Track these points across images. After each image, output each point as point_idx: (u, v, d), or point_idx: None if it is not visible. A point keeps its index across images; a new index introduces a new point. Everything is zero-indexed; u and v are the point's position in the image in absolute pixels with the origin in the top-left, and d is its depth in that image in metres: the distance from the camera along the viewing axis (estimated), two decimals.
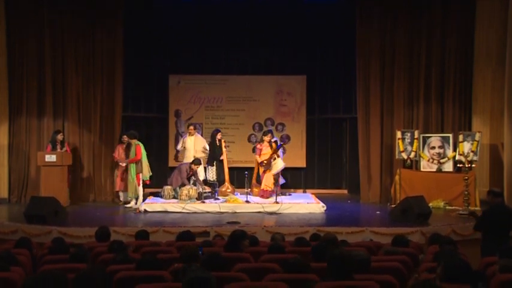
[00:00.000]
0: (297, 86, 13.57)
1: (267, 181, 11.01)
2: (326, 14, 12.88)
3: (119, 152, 11.38)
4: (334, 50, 13.22)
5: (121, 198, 11.44)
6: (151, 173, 11.05)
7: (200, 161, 11.09)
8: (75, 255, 5.01)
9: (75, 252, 5.14)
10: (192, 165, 10.90)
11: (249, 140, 13.61)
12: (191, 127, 11.81)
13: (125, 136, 11.26)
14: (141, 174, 10.75)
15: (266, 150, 11.13)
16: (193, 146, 11.57)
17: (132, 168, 10.78)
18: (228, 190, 11.31)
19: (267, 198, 10.81)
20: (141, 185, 10.76)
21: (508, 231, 6.73)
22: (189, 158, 11.31)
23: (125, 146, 11.29)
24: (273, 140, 11.42)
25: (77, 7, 11.81)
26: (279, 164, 11.06)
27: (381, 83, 11.97)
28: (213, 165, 11.46)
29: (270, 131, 11.67)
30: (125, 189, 11.19)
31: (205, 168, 11.42)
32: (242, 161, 12.92)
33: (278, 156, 11.12)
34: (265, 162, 11.07)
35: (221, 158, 11.55)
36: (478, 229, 6.89)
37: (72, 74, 11.81)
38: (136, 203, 10.70)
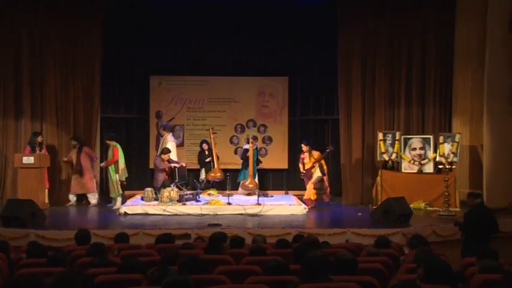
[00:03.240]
0: (279, 87, 13.60)
1: (309, 191, 11.04)
2: (308, 16, 12.90)
3: (73, 156, 11.24)
4: (316, 52, 13.26)
5: (70, 199, 11.32)
6: (127, 175, 11.20)
7: (169, 149, 11.20)
8: (52, 259, 4.94)
9: (52, 255, 5.06)
10: (162, 155, 10.96)
11: (231, 142, 13.58)
12: (161, 128, 12.00)
13: (73, 140, 11.24)
14: (117, 175, 10.79)
15: (307, 160, 11.15)
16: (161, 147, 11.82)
17: (111, 169, 10.87)
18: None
19: (312, 207, 10.79)
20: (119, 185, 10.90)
21: (489, 232, 6.83)
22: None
23: (76, 150, 11.18)
24: (246, 146, 11.96)
25: (55, 6, 11.65)
26: (317, 173, 11.05)
27: (363, 85, 12.04)
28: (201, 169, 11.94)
29: (305, 141, 11.50)
30: (77, 191, 11.20)
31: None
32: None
33: (317, 165, 11.06)
34: (303, 172, 11.16)
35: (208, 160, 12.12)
36: (462, 230, 7.06)
37: (50, 74, 11.64)
38: (121, 203, 10.79)
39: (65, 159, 11.38)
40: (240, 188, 12.13)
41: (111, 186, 10.94)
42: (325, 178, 11.37)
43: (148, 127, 13.41)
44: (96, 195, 11.38)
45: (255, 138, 12.59)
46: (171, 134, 12.13)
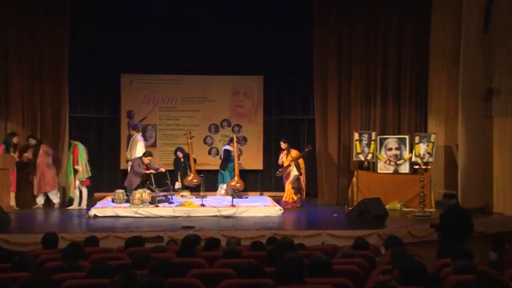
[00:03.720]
0: (254, 87, 13.61)
1: (287, 192, 11.24)
2: (283, 14, 12.95)
3: (30, 154, 11.09)
4: (291, 50, 13.31)
5: (37, 201, 11.18)
6: (90, 174, 11.10)
7: (151, 153, 11.23)
8: (18, 264, 4.84)
9: (17, 260, 4.96)
10: (143, 158, 10.88)
11: (205, 142, 13.55)
12: (130, 128, 12.00)
13: (30, 138, 11.09)
14: (77, 175, 10.80)
15: (284, 158, 11.34)
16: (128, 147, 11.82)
17: (69, 169, 10.88)
18: (238, 185, 11.82)
19: (289, 207, 11.00)
20: (77, 186, 10.86)
21: (464, 232, 6.97)
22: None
23: (33, 148, 11.06)
24: (227, 147, 12.20)
25: (19, 5, 11.41)
26: (294, 172, 11.22)
27: (338, 84, 12.13)
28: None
29: (283, 138, 11.68)
30: (41, 191, 11.10)
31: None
32: (198, 163, 12.81)
33: (294, 164, 11.22)
34: (280, 170, 11.39)
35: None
36: (438, 231, 7.19)
37: (15, 73, 11.40)
38: (80, 204, 10.85)
39: (18, 159, 11.04)
40: (222, 190, 12.07)
41: (70, 187, 10.92)
42: (301, 178, 11.40)
43: (119, 127, 13.28)
44: (58, 194, 11.25)
45: (238, 138, 12.82)
46: (140, 134, 12.03)
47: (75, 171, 10.85)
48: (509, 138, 10.89)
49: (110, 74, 13.16)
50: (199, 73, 13.48)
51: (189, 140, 12.18)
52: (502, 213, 10.65)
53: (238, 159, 12.36)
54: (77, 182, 10.89)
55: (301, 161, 11.41)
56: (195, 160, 12.32)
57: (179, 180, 12.13)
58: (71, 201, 11.05)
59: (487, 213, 10.60)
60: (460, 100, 10.97)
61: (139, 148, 11.48)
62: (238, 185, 11.90)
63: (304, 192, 11.63)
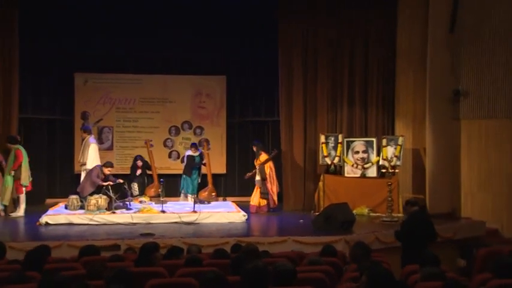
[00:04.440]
0: (217, 87, 13.58)
1: (253, 197, 11.46)
2: (247, 12, 12.96)
3: None
4: (255, 50, 13.33)
5: None
6: (31, 178, 10.90)
7: (112, 163, 11.07)
8: None
9: None
10: (104, 168, 10.73)
11: (165, 145, 13.43)
12: (81, 130, 11.89)
13: None
14: (20, 180, 10.58)
15: (255, 162, 11.56)
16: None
17: (8, 174, 10.64)
18: (213, 193, 12.06)
19: (256, 212, 11.26)
20: (24, 191, 10.66)
21: (427, 240, 7.12)
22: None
23: None
24: (189, 152, 12.28)
25: None
26: (257, 176, 11.48)
27: (304, 85, 12.22)
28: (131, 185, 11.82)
29: (254, 141, 11.95)
30: None
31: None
32: (158, 167, 12.66)
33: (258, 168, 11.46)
34: (248, 174, 11.65)
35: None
36: (399, 239, 7.32)
37: None
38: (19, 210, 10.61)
39: None
40: (190, 198, 11.93)
41: (6, 192, 10.60)
42: (267, 183, 11.44)
43: (73, 129, 13.03)
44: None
45: (207, 141, 12.93)
46: (92, 136, 11.81)
47: (16, 176, 10.57)
48: (476, 142, 11.18)
49: (62, 73, 12.91)
50: (159, 73, 13.36)
51: (150, 149, 12.09)
52: (469, 217, 10.92)
53: (200, 166, 12.38)
54: (23, 188, 10.63)
55: (268, 165, 11.49)
56: (155, 169, 12.16)
57: (136, 189, 11.97)
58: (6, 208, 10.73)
59: (454, 218, 10.86)
60: (428, 102, 11.20)
61: (91, 152, 11.29)
62: (213, 194, 12.09)
63: (274, 197, 11.61)
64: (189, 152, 12.47)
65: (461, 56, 11.24)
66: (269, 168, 11.53)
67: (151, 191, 11.86)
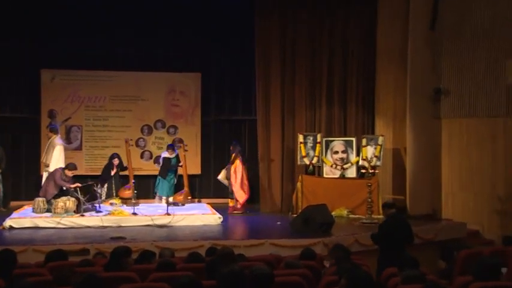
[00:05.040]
0: (191, 85, 13.53)
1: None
2: (223, 7, 12.94)
3: None
4: (231, 47, 13.30)
5: None
6: None
7: (75, 165, 10.90)
8: None
9: None
10: (66, 171, 10.61)
11: (137, 145, 13.32)
12: (47, 129, 11.73)
13: None
14: None
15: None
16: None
17: None
18: (190, 197, 12.15)
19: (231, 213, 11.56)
20: None
21: (404, 243, 7.21)
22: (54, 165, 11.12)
23: None
24: (165, 154, 12.29)
25: None
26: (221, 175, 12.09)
27: (282, 83, 12.24)
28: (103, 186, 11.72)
29: (233, 141, 12.16)
30: None
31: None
32: (131, 164, 12.54)
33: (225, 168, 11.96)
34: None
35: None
36: (375, 242, 7.40)
37: None
38: None
39: None
40: (164, 200, 11.86)
41: None
42: (232, 183, 11.63)
43: (39, 128, 12.85)
44: None
45: (181, 141, 12.91)
46: (59, 136, 11.65)
47: None
48: (457, 141, 11.35)
49: (28, 68, 12.71)
50: (130, 69, 13.24)
51: (128, 148, 12.03)
52: (450, 219, 11.08)
53: (177, 167, 12.37)
54: None
55: (235, 166, 11.64)
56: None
57: (104, 191, 11.82)
58: None
59: (435, 220, 11.00)
60: (408, 101, 11.31)
61: (56, 153, 11.15)
62: (189, 197, 12.14)
63: (239, 199, 11.68)
64: (165, 154, 12.40)
65: (442, 53, 11.39)
66: (235, 169, 11.66)
67: (127, 193, 11.67)
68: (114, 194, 11.81)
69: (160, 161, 12.50)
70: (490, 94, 10.99)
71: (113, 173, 12.01)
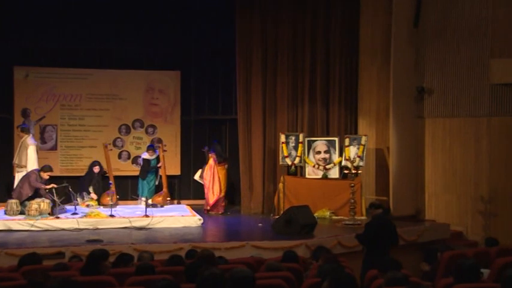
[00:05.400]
0: (170, 83, 13.48)
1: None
2: (204, 5, 12.92)
3: None
4: (212, 44, 13.28)
5: None
6: None
7: (51, 167, 10.83)
8: None
9: None
10: (42, 173, 10.54)
11: (115, 145, 13.23)
12: (18, 129, 11.61)
13: None
14: None
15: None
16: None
17: None
18: (168, 198, 12.05)
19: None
20: None
21: (389, 244, 7.27)
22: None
23: None
24: (145, 155, 12.31)
25: None
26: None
27: (263, 82, 12.26)
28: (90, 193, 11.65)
29: (214, 141, 12.38)
30: None
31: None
32: (112, 168, 12.46)
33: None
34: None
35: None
36: (362, 242, 7.45)
37: None
38: None
39: None
40: (141, 202, 11.80)
41: None
42: (205, 184, 11.91)
43: (12, 128, 12.68)
44: None
45: (160, 141, 12.90)
46: (31, 136, 11.52)
47: None
48: (441, 141, 11.46)
49: (0, 65, 12.54)
50: (108, 67, 13.15)
51: (108, 153, 11.98)
52: (434, 220, 11.19)
53: (157, 169, 12.37)
54: None
55: (208, 166, 11.84)
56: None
57: (93, 192, 11.74)
58: None
59: (418, 221, 11.09)
60: (391, 100, 11.39)
61: (31, 153, 11.02)
62: (168, 198, 12.12)
63: (208, 200, 11.84)
64: (145, 155, 12.34)
65: (425, 52, 11.50)
66: (208, 169, 11.82)
67: (107, 199, 11.43)
68: (97, 203, 11.64)
69: (140, 162, 12.44)
70: (473, 93, 11.12)
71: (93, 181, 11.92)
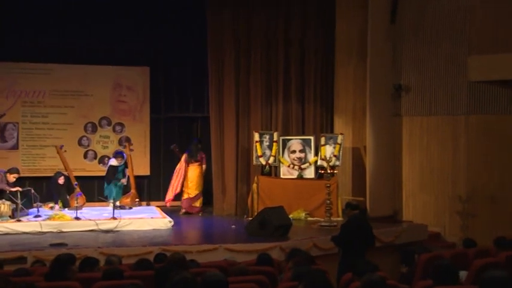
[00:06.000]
0: (139, 79, 13.39)
1: None
2: None
3: None
4: (182, 40, 13.19)
5: None
6: None
7: (18, 169, 10.75)
8: None
9: None
10: (8, 174, 10.48)
11: (80, 144, 13.10)
12: None
13: None
14: None
15: None
16: None
17: None
18: (137, 199, 12.04)
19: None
20: None
21: (365, 245, 7.34)
22: None
23: None
24: (113, 161, 12.30)
25: None
26: None
27: (236, 79, 12.26)
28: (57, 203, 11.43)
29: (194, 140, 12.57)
30: None
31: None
32: (71, 169, 12.32)
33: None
34: None
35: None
36: (337, 244, 7.51)
37: None
38: None
39: None
40: (109, 203, 11.68)
41: None
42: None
43: None
44: None
45: (128, 140, 12.84)
46: None
47: None
48: (418, 139, 11.60)
49: None
50: (73, 62, 12.98)
51: (63, 155, 11.82)
52: (411, 221, 11.32)
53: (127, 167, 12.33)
54: None
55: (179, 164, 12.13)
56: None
57: (60, 205, 11.46)
58: None
59: (396, 222, 11.22)
60: (368, 97, 11.50)
61: None
62: (137, 199, 12.07)
63: (169, 196, 12.26)
64: (113, 162, 12.20)
65: (402, 48, 11.62)
66: (178, 165, 12.16)
67: (74, 204, 11.17)
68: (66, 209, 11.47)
69: (106, 168, 12.30)
70: (451, 91, 11.26)
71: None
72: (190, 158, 12.03)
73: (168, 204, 12.11)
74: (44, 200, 11.40)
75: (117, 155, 12.27)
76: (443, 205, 11.31)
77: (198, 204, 12.06)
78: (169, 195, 12.12)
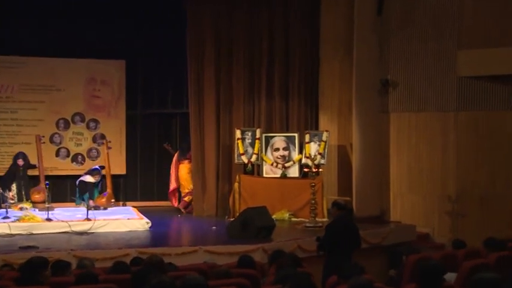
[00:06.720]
0: (114, 74, 13.34)
1: None
2: None
3: None
4: (160, 31, 13.12)
5: None
6: None
7: None
8: None
9: None
10: None
11: (52, 141, 13.02)
12: None
13: None
14: None
15: None
16: None
17: None
18: (112, 200, 12.00)
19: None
20: None
21: (352, 247, 7.38)
22: None
23: None
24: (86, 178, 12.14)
25: None
26: None
27: (217, 74, 12.24)
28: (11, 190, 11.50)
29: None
30: None
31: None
32: (44, 167, 12.26)
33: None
34: None
35: None
36: (322, 250, 7.53)
37: None
38: None
39: None
40: (84, 204, 11.64)
41: None
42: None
43: None
44: None
45: (103, 137, 12.85)
46: None
47: None
48: (406, 137, 11.67)
49: None
50: (43, 55, 12.90)
51: (40, 146, 11.85)
52: (399, 221, 11.39)
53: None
54: None
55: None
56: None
57: (14, 192, 11.57)
58: None
59: (383, 222, 11.28)
60: (354, 93, 11.55)
61: None
62: (112, 200, 12.08)
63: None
64: (87, 178, 12.11)
65: (390, 42, 11.67)
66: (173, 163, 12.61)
67: (37, 196, 11.39)
68: (25, 198, 11.48)
69: (79, 184, 12.19)
70: (440, 87, 11.33)
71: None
72: (181, 156, 12.45)
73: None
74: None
75: (94, 171, 12.21)
76: (432, 205, 11.40)
77: (186, 199, 12.51)
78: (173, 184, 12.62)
